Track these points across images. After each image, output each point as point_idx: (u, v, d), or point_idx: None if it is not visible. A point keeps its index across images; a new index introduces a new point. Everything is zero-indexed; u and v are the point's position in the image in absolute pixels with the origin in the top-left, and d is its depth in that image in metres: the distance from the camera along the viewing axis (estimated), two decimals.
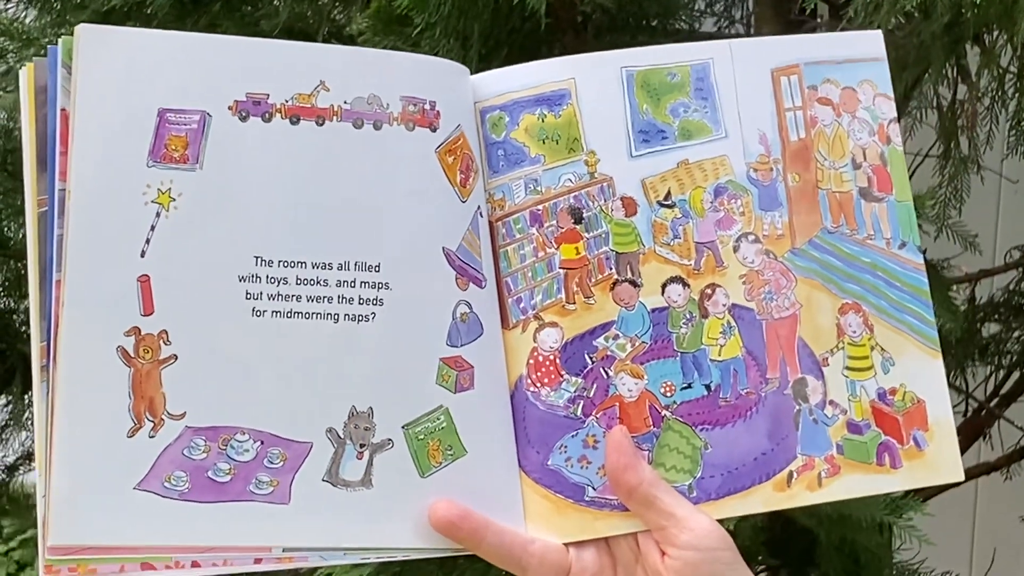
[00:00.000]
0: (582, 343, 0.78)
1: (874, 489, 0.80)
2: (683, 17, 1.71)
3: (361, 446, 0.73)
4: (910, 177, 0.85)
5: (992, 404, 1.86)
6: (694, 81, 0.81)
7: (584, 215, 0.79)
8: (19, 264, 1.96)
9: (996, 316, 1.88)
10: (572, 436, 0.77)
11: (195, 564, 0.71)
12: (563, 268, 0.78)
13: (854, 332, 0.81)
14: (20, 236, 1.91)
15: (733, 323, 0.79)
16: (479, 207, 0.78)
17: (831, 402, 0.80)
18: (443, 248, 0.76)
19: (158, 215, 0.72)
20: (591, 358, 0.78)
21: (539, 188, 0.79)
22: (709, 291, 0.79)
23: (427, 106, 0.77)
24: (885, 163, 0.83)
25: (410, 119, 0.76)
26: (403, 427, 0.74)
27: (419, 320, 0.75)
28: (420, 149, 0.76)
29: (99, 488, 0.69)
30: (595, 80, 0.80)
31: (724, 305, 0.79)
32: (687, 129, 0.81)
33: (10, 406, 2.05)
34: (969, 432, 1.83)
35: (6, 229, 1.92)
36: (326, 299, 0.73)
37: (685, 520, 0.74)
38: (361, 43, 1.21)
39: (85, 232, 0.71)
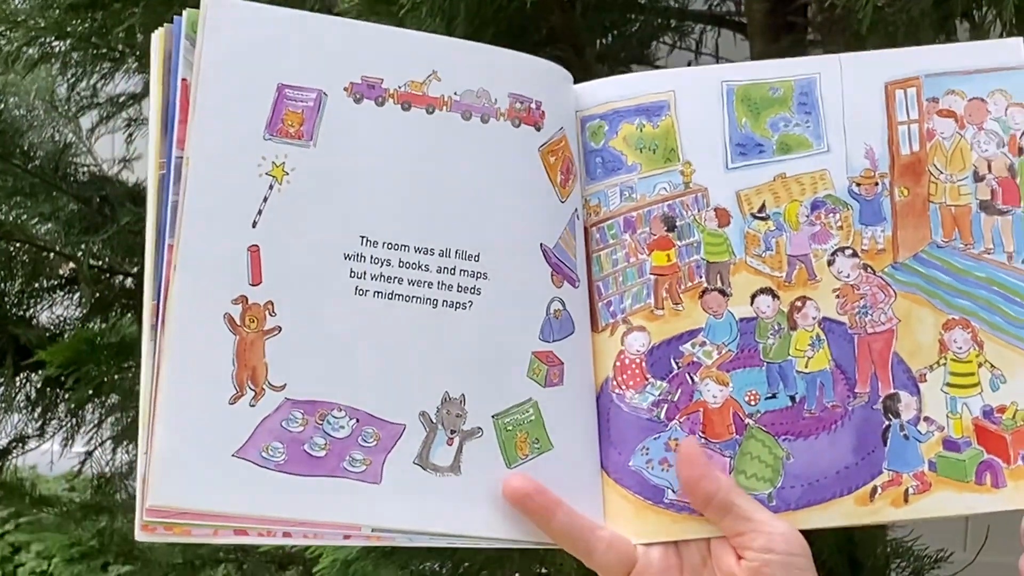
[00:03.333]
0: (669, 348, 0.80)
1: (970, 508, 0.79)
2: None
3: (452, 432, 0.75)
4: None
5: None
6: (797, 96, 0.82)
7: (677, 223, 0.81)
8: (10, 245, 2.00)
9: None
10: (655, 438, 0.79)
11: (286, 534, 0.73)
12: (654, 274, 0.80)
13: (959, 348, 0.80)
14: (11, 218, 1.96)
15: (823, 336, 0.80)
16: (576, 210, 0.81)
17: (926, 418, 0.79)
18: (541, 244, 0.78)
19: (271, 188, 0.74)
20: (677, 363, 0.80)
21: (634, 196, 0.81)
22: (799, 304, 0.80)
23: (533, 105, 0.79)
24: (1014, 175, 0.81)
25: (517, 116, 0.79)
26: (493, 416, 0.76)
27: (514, 312, 0.77)
28: (524, 146, 0.79)
29: (199, 452, 0.71)
30: (694, 93, 0.82)
31: (814, 318, 0.80)
32: (786, 143, 0.81)
33: (1, 388, 2.08)
34: None
35: None
36: (426, 284, 0.75)
37: (762, 524, 0.76)
38: None
39: (200, 199, 0.73)
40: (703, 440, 0.79)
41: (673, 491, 0.78)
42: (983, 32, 1.24)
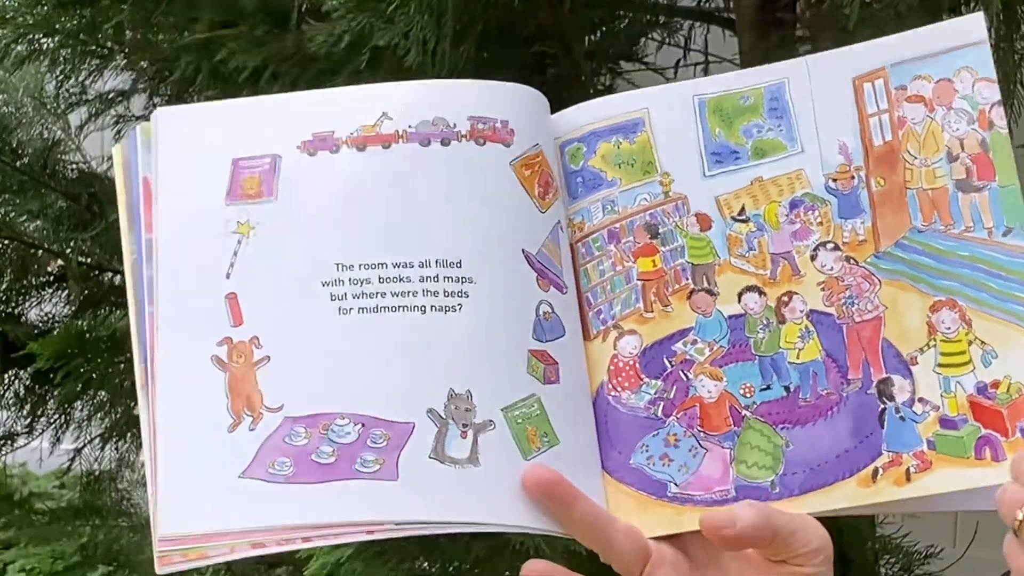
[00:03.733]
0: (661, 348, 0.83)
1: (973, 482, 0.79)
2: None
3: (464, 426, 0.76)
4: None
5: None
6: (768, 102, 0.86)
7: (660, 230, 0.84)
8: None
9: None
10: (653, 435, 0.81)
11: (305, 539, 0.74)
12: (641, 280, 0.84)
13: (948, 329, 0.81)
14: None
15: (811, 328, 0.82)
16: (559, 222, 0.84)
17: (920, 399, 0.80)
18: (523, 250, 0.81)
19: (239, 242, 0.79)
20: (670, 362, 0.82)
21: (616, 208, 0.85)
22: (786, 299, 0.83)
23: (498, 124, 0.82)
24: (987, 149, 0.82)
25: (480, 136, 0.82)
26: (502, 410, 0.78)
27: (505, 311, 0.80)
28: (492, 161, 0.82)
29: (205, 479, 0.74)
30: (667, 108, 0.86)
31: (802, 311, 0.82)
32: (760, 148, 0.85)
33: None
34: None
35: None
36: (411, 293, 0.78)
37: (808, 542, 0.77)
38: (335, 19, 1.21)
39: (173, 265, 0.79)
40: (702, 433, 0.81)
41: (675, 484, 0.80)
42: None
